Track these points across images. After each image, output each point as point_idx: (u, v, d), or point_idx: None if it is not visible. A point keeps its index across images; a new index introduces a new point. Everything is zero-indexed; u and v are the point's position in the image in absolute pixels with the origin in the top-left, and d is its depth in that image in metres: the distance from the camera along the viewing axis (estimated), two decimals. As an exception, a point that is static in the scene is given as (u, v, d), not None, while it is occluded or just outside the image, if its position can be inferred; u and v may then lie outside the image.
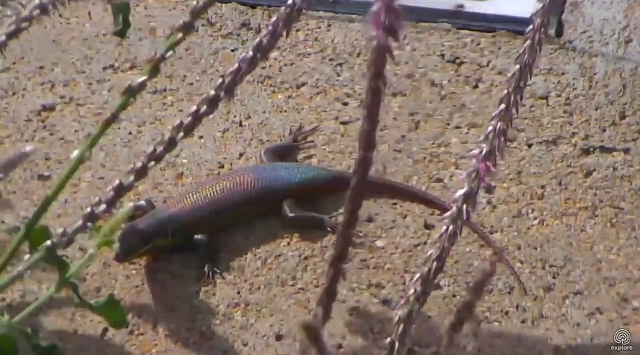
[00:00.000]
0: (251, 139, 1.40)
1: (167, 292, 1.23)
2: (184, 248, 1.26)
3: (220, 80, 0.91)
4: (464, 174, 0.80)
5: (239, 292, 1.23)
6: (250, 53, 0.92)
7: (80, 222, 0.93)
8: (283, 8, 0.94)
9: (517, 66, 0.83)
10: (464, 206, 0.80)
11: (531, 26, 0.84)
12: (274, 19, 0.93)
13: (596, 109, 1.43)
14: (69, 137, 1.40)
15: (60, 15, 1.54)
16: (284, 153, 1.37)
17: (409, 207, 1.32)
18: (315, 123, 1.41)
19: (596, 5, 1.57)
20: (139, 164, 0.92)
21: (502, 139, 0.81)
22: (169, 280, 1.24)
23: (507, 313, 1.21)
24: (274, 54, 1.47)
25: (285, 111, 1.43)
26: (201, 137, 1.39)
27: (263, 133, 1.40)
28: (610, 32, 1.53)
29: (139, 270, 1.25)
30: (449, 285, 1.23)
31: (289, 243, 1.28)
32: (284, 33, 0.93)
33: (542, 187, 1.34)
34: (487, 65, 1.49)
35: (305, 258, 1.26)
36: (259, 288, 1.24)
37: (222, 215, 1.28)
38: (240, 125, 1.41)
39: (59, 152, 1.38)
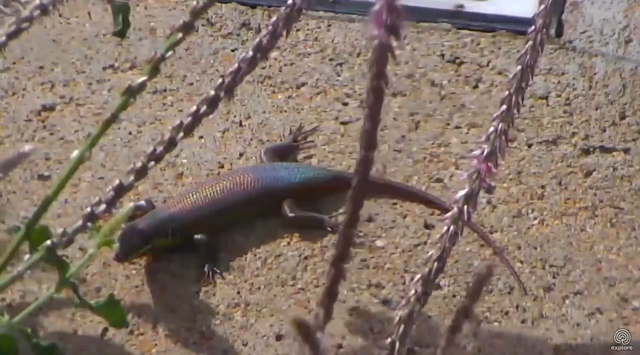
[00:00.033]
0: (251, 139, 1.40)
1: (167, 292, 1.23)
2: (184, 248, 1.26)
3: (220, 80, 0.91)
4: (465, 175, 0.80)
5: (239, 292, 1.23)
6: (250, 53, 0.92)
7: (80, 222, 0.93)
8: (283, 8, 0.94)
9: (519, 67, 0.83)
10: (465, 207, 0.80)
11: (533, 27, 0.84)
12: (274, 19, 0.93)
13: (596, 109, 1.43)
14: (69, 137, 1.40)
15: (60, 15, 1.56)
16: (284, 153, 1.37)
17: (409, 207, 1.32)
18: (315, 123, 1.41)
19: (596, 5, 1.57)
20: (139, 164, 0.92)
21: (504, 139, 0.81)
22: (169, 280, 1.24)
23: (507, 313, 1.21)
24: (274, 54, 1.47)
25: (285, 111, 1.43)
26: (201, 137, 1.39)
27: (263, 133, 1.40)
28: (610, 32, 1.53)
29: (139, 270, 1.25)
30: (449, 285, 1.23)
31: (289, 243, 1.28)
32: (284, 33, 0.93)
33: (542, 187, 1.34)
34: (487, 65, 1.49)
35: (306, 258, 1.26)
36: (259, 288, 1.24)
37: (222, 215, 1.28)
38: (240, 125, 1.41)
39: (59, 152, 1.37)
